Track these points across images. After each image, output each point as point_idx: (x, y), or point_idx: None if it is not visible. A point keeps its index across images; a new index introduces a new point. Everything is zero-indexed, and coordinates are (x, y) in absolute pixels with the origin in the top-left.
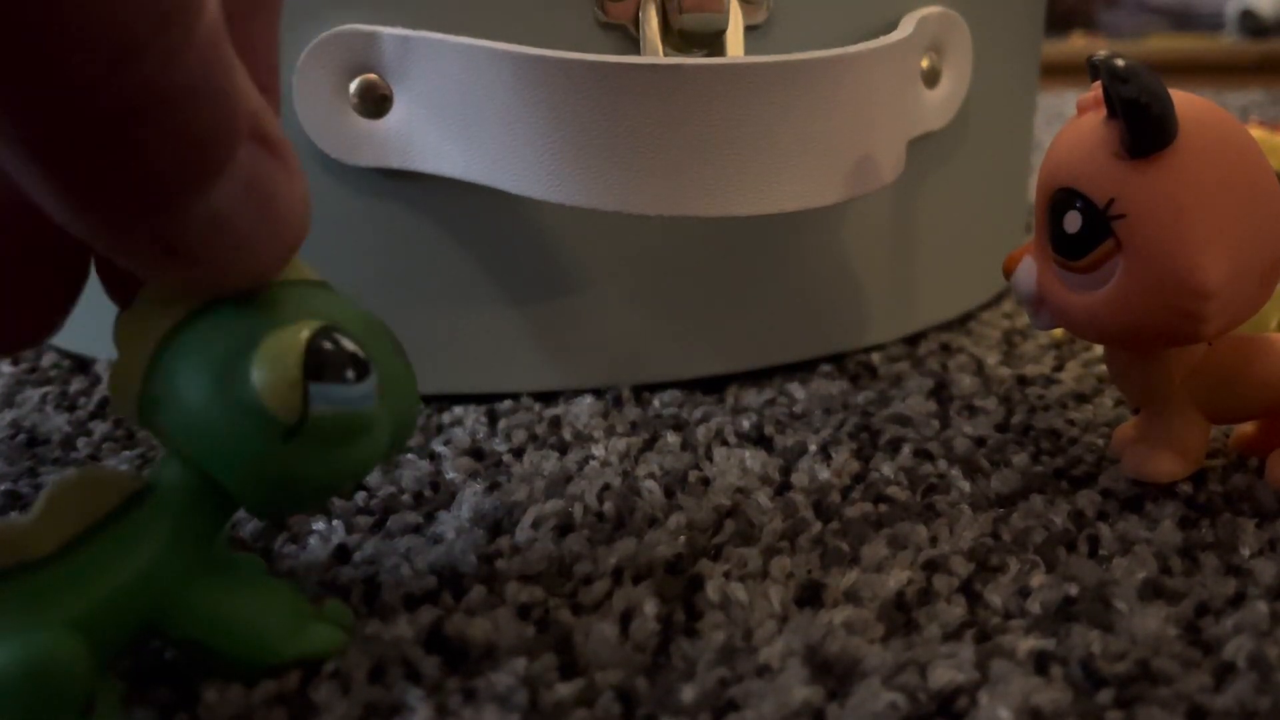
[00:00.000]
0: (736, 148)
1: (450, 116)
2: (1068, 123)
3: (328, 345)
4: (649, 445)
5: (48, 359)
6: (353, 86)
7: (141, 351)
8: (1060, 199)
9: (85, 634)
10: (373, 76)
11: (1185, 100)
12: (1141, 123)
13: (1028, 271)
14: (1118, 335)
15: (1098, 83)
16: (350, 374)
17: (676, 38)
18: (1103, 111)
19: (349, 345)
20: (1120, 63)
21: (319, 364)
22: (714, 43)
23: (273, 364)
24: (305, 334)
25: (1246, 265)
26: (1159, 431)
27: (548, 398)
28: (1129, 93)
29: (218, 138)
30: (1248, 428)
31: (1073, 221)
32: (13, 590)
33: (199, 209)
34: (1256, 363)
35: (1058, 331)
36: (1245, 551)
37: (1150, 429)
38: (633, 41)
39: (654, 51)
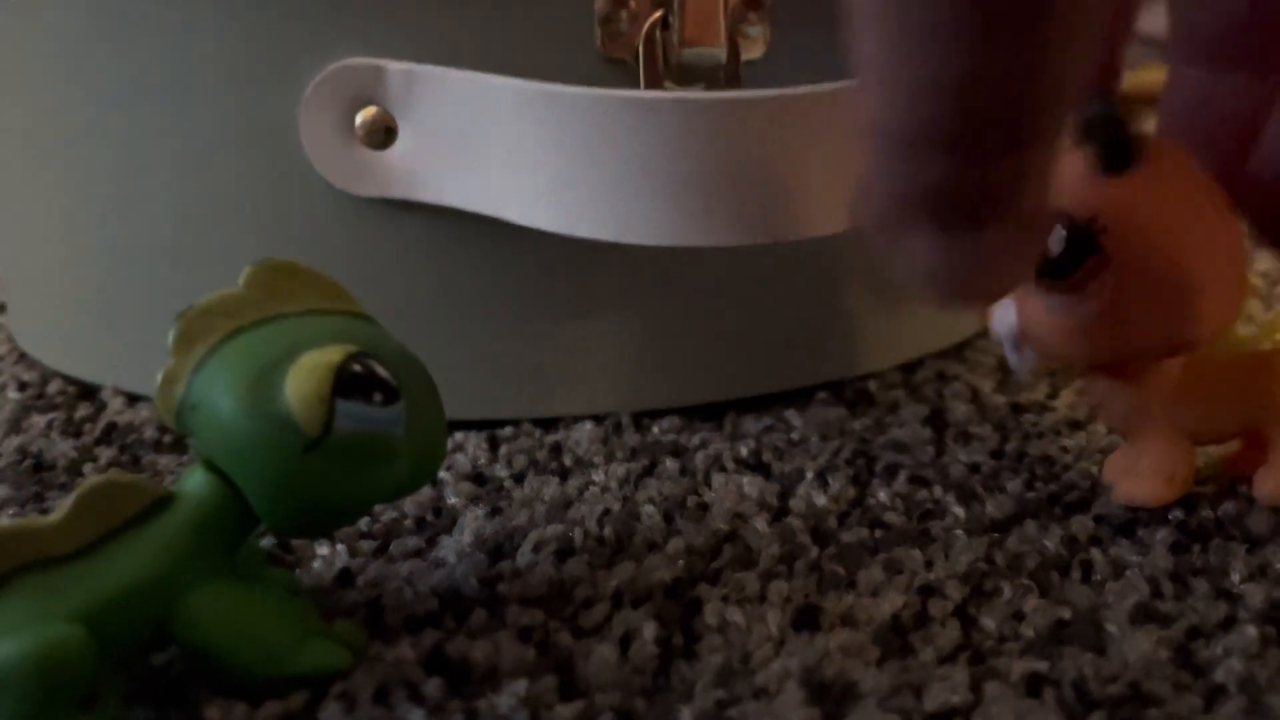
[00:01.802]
0: (735, 179)
1: (454, 148)
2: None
3: (359, 367)
4: (648, 471)
5: (54, 385)
6: (358, 119)
7: (191, 356)
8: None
9: (93, 629)
10: (378, 109)
11: (1157, 141)
12: (1116, 139)
13: (1006, 309)
14: (1112, 350)
15: None
16: (378, 397)
17: (677, 71)
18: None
19: (380, 370)
20: (1096, 99)
21: (348, 382)
22: (713, 76)
23: (305, 378)
24: (339, 354)
25: (1223, 271)
26: (1145, 457)
27: (548, 424)
28: (1101, 113)
29: (975, 213)
30: (1233, 448)
31: (1056, 241)
32: (29, 584)
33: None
34: (1232, 380)
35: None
36: (1235, 576)
37: (1137, 455)
38: (634, 75)
39: (655, 85)
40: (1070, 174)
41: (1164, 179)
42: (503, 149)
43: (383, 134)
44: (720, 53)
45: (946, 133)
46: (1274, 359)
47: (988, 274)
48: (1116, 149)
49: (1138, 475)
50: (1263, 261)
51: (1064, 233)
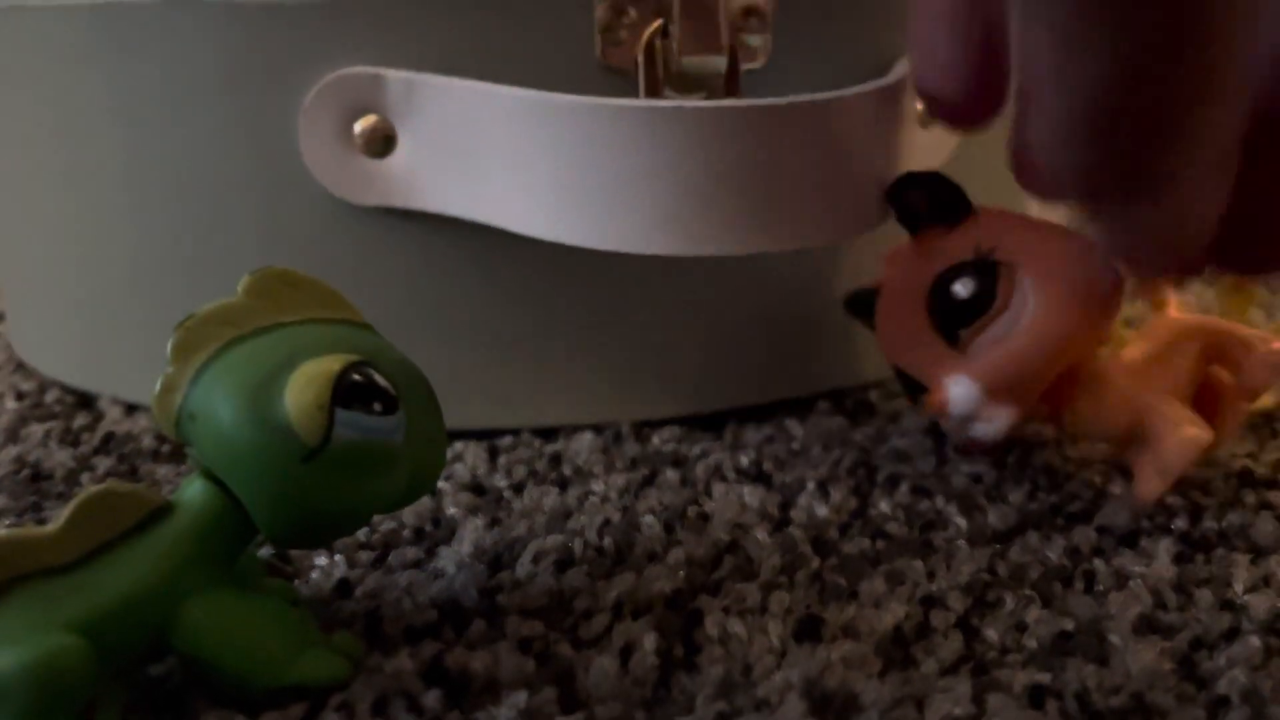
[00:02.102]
0: (735, 188)
1: (454, 157)
2: (886, 295)
3: (358, 376)
4: (649, 481)
5: (51, 394)
6: (358, 127)
7: (190, 365)
8: (937, 287)
9: (92, 639)
10: (378, 118)
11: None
12: (944, 191)
13: (964, 384)
14: (1063, 347)
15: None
16: (377, 406)
17: (677, 80)
18: (901, 260)
19: (380, 380)
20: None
21: (348, 392)
22: (713, 85)
23: (304, 387)
24: (339, 364)
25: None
26: (1157, 420)
27: (548, 434)
28: (919, 181)
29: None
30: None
31: (965, 285)
32: (29, 594)
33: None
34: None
35: None
36: (1239, 587)
37: (1146, 434)
38: (634, 84)
39: (654, 93)
40: (919, 249)
41: (1000, 211)
42: (502, 158)
43: (382, 143)
44: (720, 62)
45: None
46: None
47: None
48: (953, 197)
49: (1180, 432)
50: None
51: (968, 276)
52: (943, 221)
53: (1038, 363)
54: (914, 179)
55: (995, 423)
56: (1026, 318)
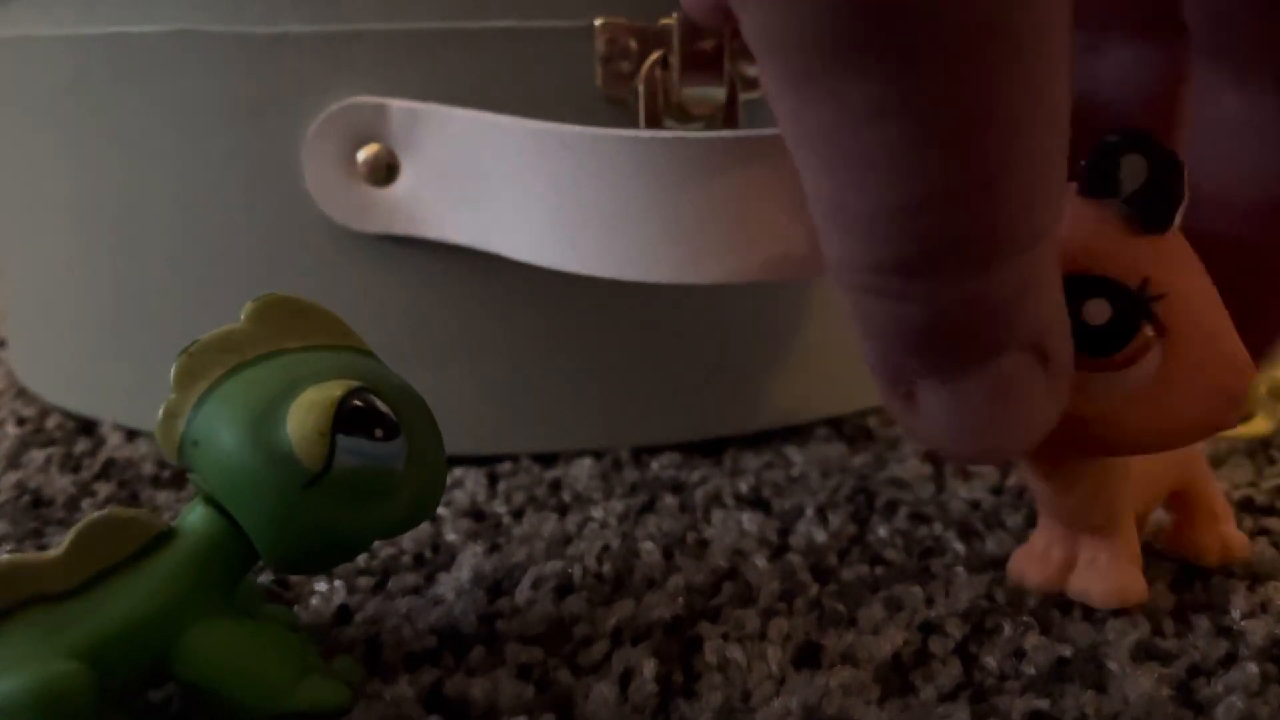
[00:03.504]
0: (734, 218)
1: (455, 186)
2: None
3: (360, 403)
4: (648, 507)
5: (52, 420)
6: (361, 156)
7: (193, 392)
8: (1070, 288)
9: (95, 666)
10: (381, 147)
11: None
12: (1161, 188)
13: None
14: (1154, 436)
15: None
16: (379, 433)
17: (677, 110)
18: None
19: (381, 406)
20: (1137, 134)
21: (349, 418)
22: (713, 116)
23: (306, 413)
24: (341, 390)
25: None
26: (1114, 548)
27: (547, 460)
28: (1141, 153)
29: (977, 345)
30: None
31: (1099, 312)
32: (30, 620)
33: (935, 384)
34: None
35: None
36: (1236, 613)
37: (1095, 549)
38: (634, 114)
39: (654, 123)
40: (1100, 228)
41: (1187, 239)
42: (504, 186)
43: (385, 171)
44: (719, 92)
45: (925, 255)
46: None
47: (1006, 420)
48: (1162, 200)
49: (1111, 568)
50: None
51: (1108, 303)
52: (1148, 219)
53: (1097, 445)
54: (1145, 142)
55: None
56: (1144, 389)
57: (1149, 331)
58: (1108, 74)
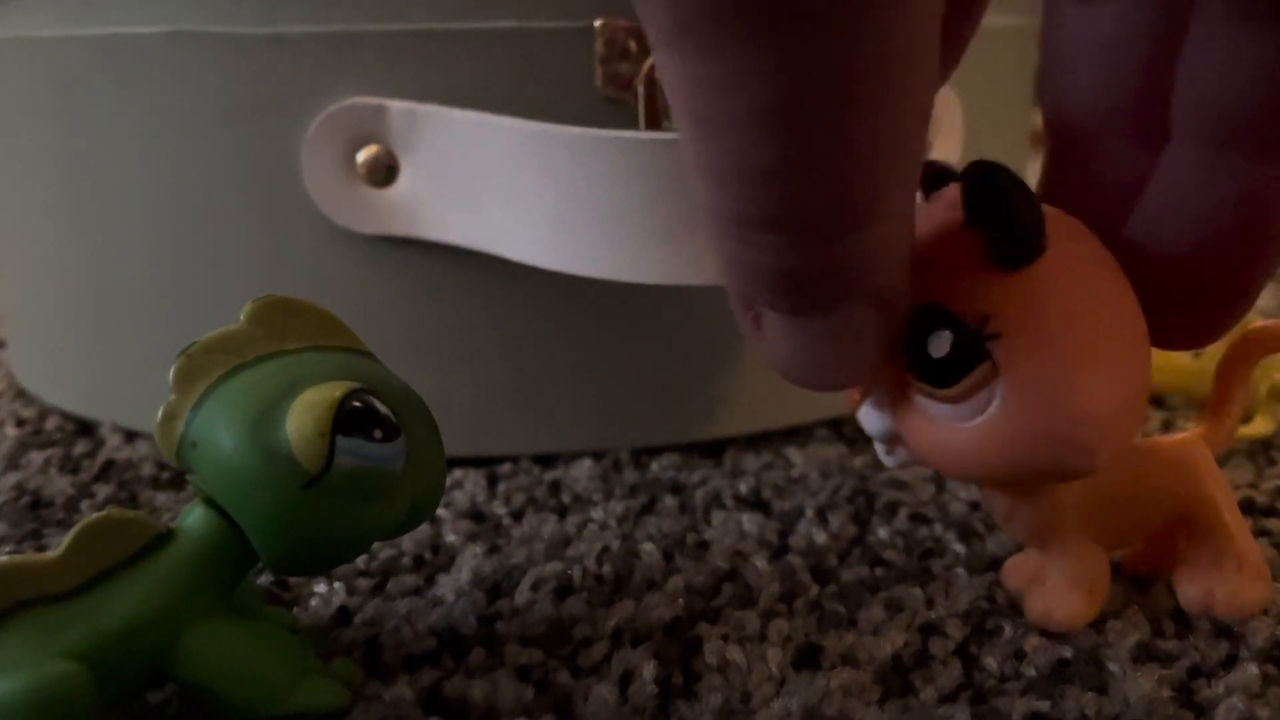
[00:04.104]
0: None
1: (454, 187)
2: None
3: (359, 404)
4: (648, 508)
5: (51, 421)
6: (360, 157)
7: (192, 393)
8: (922, 318)
9: (93, 667)
10: (380, 148)
11: (1050, 213)
12: (1017, 226)
13: (874, 409)
14: (997, 473)
15: (950, 186)
16: (378, 434)
17: None
18: (957, 215)
19: (381, 407)
20: (988, 166)
21: (349, 419)
22: None
23: (305, 414)
24: (340, 391)
25: (1124, 388)
26: (1059, 571)
27: (547, 461)
28: (996, 188)
29: (823, 294)
30: (1135, 546)
31: (941, 344)
32: (29, 621)
33: (785, 319)
34: (1146, 476)
35: None
36: None
37: (1048, 569)
38: (634, 114)
39: (654, 124)
40: (958, 259)
41: (1065, 278)
42: (502, 188)
43: (384, 172)
44: None
45: (775, 217)
46: (1190, 451)
47: (838, 359)
48: (1016, 238)
49: (1054, 593)
50: (1262, 297)
51: (948, 335)
52: (1002, 256)
53: (935, 468)
54: (989, 180)
55: (895, 458)
56: (980, 425)
57: (987, 369)
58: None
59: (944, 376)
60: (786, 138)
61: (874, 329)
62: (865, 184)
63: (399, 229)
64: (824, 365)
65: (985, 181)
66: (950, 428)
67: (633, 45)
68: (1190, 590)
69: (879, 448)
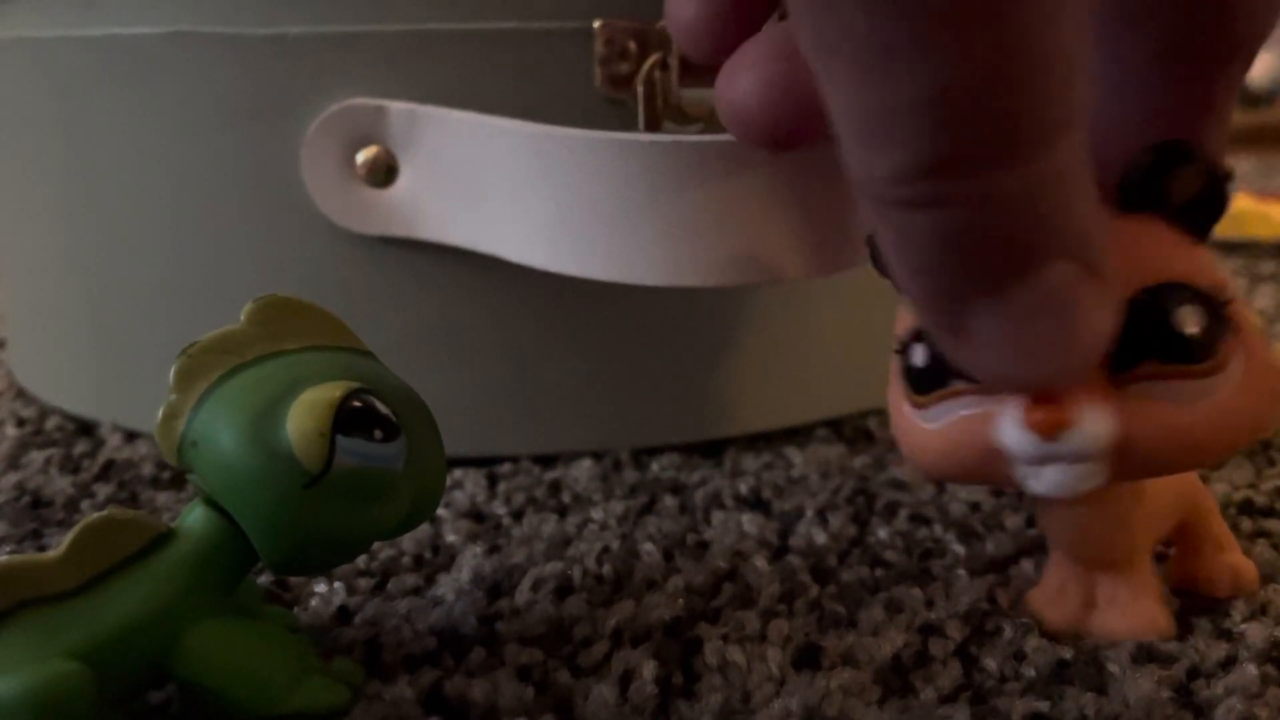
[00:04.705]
0: (731, 221)
1: (454, 188)
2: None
3: (359, 404)
4: (648, 508)
5: (52, 421)
6: (360, 157)
7: (193, 393)
8: (1161, 297)
9: (94, 666)
10: (380, 148)
11: None
12: (1222, 204)
13: (1097, 410)
14: (1242, 441)
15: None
16: (378, 433)
17: (676, 112)
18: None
19: (381, 407)
20: (1183, 146)
21: (349, 419)
22: (711, 118)
23: (306, 414)
24: (340, 391)
25: None
26: (1133, 587)
27: (547, 461)
28: (1212, 175)
29: (1024, 250)
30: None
31: (1193, 319)
32: (30, 620)
33: (988, 304)
34: (1171, 481)
35: None
36: (1237, 616)
37: (1111, 588)
38: (634, 115)
39: (653, 125)
40: (1163, 237)
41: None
42: (502, 189)
43: (384, 173)
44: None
45: (944, 155)
46: None
47: (1058, 338)
48: (1217, 211)
49: (1131, 608)
50: (1260, 299)
51: (1200, 309)
52: (1202, 229)
53: (1176, 459)
54: (1187, 152)
55: (1084, 480)
56: (1226, 393)
57: (1229, 335)
58: None
59: (1194, 352)
60: (960, 52)
61: (1088, 290)
62: (1039, 95)
63: (399, 229)
64: (1048, 348)
65: (1164, 161)
66: (1193, 407)
67: (632, 46)
68: (1223, 579)
69: (1038, 479)
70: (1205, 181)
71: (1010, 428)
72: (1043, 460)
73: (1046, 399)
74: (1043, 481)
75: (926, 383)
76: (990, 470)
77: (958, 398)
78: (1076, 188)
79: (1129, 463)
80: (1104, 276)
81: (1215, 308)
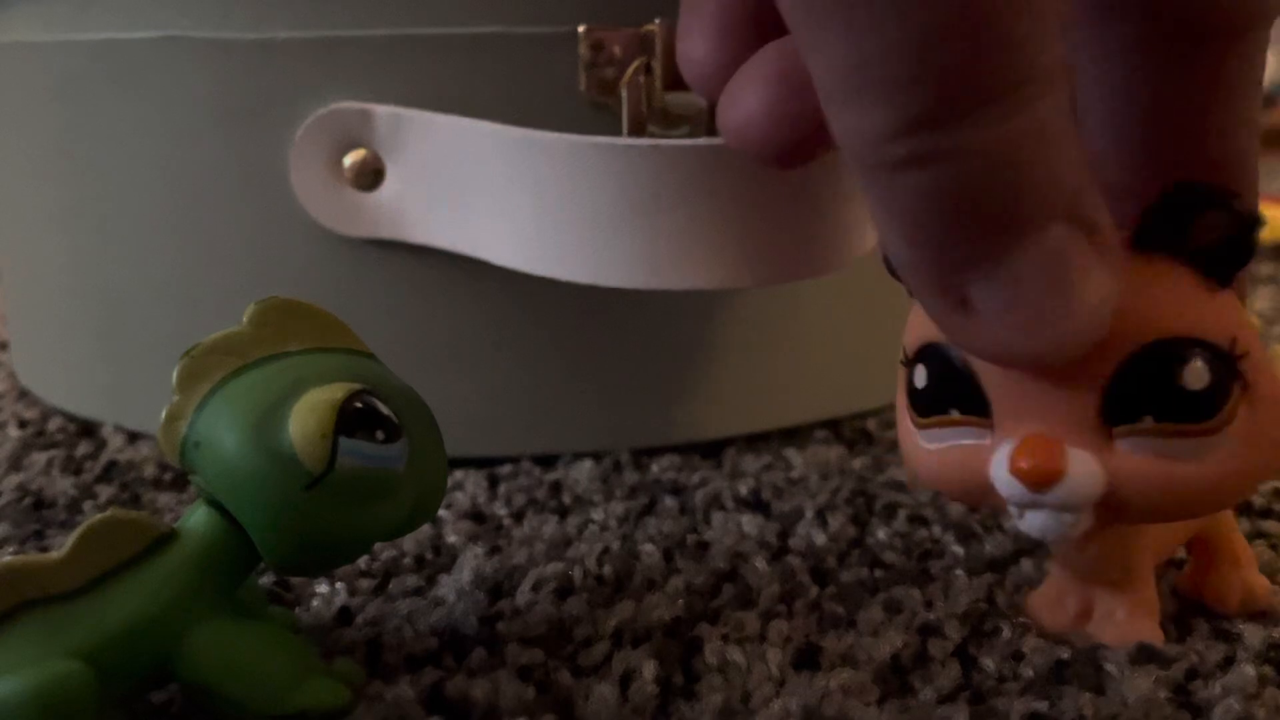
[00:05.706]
0: (716, 224)
1: (440, 190)
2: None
3: (361, 405)
4: (648, 509)
5: (54, 423)
6: (347, 161)
7: (195, 394)
8: (1167, 353)
9: (97, 666)
10: (367, 152)
11: None
12: (1242, 241)
13: (1087, 463)
14: (1245, 492)
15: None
16: (380, 434)
17: (660, 116)
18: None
19: (383, 408)
20: (1212, 189)
21: (351, 420)
22: (695, 121)
23: (308, 415)
24: (342, 392)
25: None
26: (1129, 604)
27: (547, 462)
28: (1237, 215)
29: (1018, 209)
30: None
31: (1199, 375)
32: (33, 621)
33: (988, 270)
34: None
35: None
36: (1235, 617)
37: (1110, 601)
38: (618, 119)
39: (638, 129)
40: (1176, 287)
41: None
42: (487, 192)
43: (371, 176)
44: (702, 98)
45: (930, 106)
46: None
47: (1069, 306)
48: (1243, 257)
49: (1126, 624)
50: (1259, 301)
51: (1203, 364)
52: (1226, 276)
53: (1177, 510)
54: (1212, 195)
55: (1073, 527)
56: (1230, 446)
57: (1237, 391)
58: None
59: (1200, 409)
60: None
61: (1091, 251)
62: (1019, 40)
63: (386, 232)
64: (1054, 315)
65: (1187, 203)
66: (1190, 463)
67: (617, 50)
68: (1231, 596)
69: (1024, 521)
70: (1231, 228)
71: (1000, 470)
72: (1030, 505)
73: (1038, 445)
74: (1029, 524)
75: (926, 406)
76: (983, 499)
77: (955, 426)
78: (1063, 143)
79: (1117, 514)
80: (1104, 235)
81: (1226, 363)
